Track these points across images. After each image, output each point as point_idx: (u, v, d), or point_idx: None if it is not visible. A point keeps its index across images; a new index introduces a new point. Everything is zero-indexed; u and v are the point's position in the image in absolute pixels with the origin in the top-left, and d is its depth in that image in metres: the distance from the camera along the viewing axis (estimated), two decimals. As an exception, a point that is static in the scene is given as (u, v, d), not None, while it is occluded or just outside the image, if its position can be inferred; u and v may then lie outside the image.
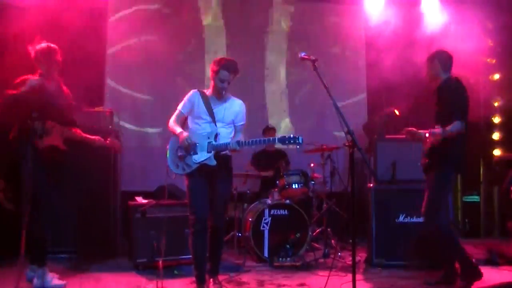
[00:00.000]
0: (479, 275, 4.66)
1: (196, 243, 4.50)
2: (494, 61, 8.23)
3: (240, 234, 6.48)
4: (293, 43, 8.47)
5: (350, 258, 4.07)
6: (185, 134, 4.53)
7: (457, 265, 4.80)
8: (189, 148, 4.49)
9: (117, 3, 7.85)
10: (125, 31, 7.79)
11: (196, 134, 4.58)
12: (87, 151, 6.03)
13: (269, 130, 7.37)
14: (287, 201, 6.12)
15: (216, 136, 4.55)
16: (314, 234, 6.54)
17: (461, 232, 8.04)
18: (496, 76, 8.29)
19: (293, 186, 6.31)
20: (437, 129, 4.58)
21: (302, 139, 4.37)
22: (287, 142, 4.39)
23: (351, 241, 5.36)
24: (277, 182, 6.45)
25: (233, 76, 4.61)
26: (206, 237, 4.57)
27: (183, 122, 4.74)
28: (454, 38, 6.97)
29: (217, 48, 8.10)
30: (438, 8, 8.04)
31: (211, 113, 4.60)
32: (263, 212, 5.96)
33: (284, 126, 8.34)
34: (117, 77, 7.81)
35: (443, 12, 7.93)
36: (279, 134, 7.56)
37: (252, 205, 6.43)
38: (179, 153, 4.57)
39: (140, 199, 5.81)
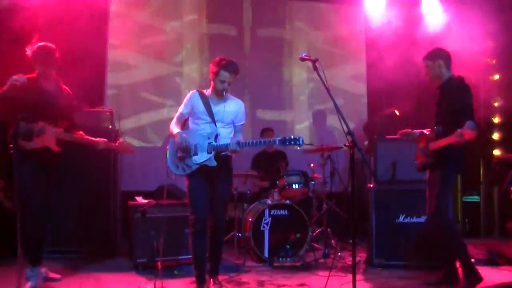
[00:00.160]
0: (480, 278, 4.66)
1: (196, 243, 4.50)
2: (494, 61, 8.23)
3: (240, 234, 6.48)
4: (293, 43, 8.46)
5: (350, 258, 4.07)
6: (182, 135, 4.53)
7: (457, 265, 4.80)
8: (186, 149, 4.48)
9: (118, 3, 7.84)
10: (126, 31, 7.79)
11: (196, 134, 4.57)
12: (87, 151, 6.05)
13: (267, 131, 7.37)
14: (287, 202, 6.12)
15: (216, 136, 4.54)
16: (314, 234, 6.54)
17: (461, 232, 8.03)
18: (496, 77, 8.28)
19: (293, 187, 6.31)
20: (453, 138, 4.39)
21: (302, 140, 4.36)
22: (287, 143, 4.38)
23: (351, 241, 5.37)
24: (277, 182, 6.45)
25: (233, 76, 4.60)
26: (206, 237, 4.57)
27: (183, 123, 4.74)
28: (454, 39, 6.96)
29: (217, 48, 8.09)
30: (438, 8, 8.04)
31: (210, 114, 4.59)
32: (263, 212, 5.96)
33: (284, 127, 8.33)
34: (118, 77, 7.80)
35: (443, 12, 7.93)
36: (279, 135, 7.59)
37: (252, 205, 6.43)
38: (179, 154, 4.55)
39: (140, 199, 5.81)
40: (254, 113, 8.20)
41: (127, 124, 7.54)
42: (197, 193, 4.53)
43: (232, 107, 4.73)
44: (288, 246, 5.85)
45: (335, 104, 3.98)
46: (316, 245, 6.55)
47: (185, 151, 4.49)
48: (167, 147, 4.71)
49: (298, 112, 8.44)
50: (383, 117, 7.88)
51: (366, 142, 7.72)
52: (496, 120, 8.33)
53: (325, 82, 4.02)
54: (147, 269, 5.37)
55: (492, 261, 5.81)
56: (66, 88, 4.96)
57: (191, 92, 4.76)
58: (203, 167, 4.50)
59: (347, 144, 3.98)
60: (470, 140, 4.32)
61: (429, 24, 7.93)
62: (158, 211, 5.60)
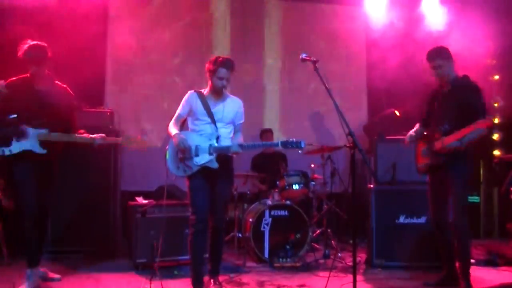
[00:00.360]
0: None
1: (196, 244, 4.50)
2: (494, 62, 8.23)
3: (240, 235, 6.48)
4: (293, 44, 8.45)
5: (350, 259, 4.07)
6: (181, 136, 4.51)
7: (457, 266, 4.79)
8: (186, 151, 4.46)
9: (117, 3, 7.84)
10: (126, 32, 7.78)
11: (196, 135, 4.56)
12: (87, 151, 6.06)
13: (266, 132, 7.36)
14: (288, 202, 6.12)
15: (217, 138, 4.53)
16: (314, 235, 6.54)
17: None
18: (496, 77, 8.28)
19: (294, 187, 6.31)
20: (480, 124, 4.35)
21: (304, 143, 4.37)
22: (289, 146, 4.38)
23: (351, 242, 5.38)
24: (277, 183, 6.45)
25: (231, 73, 4.59)
26: (205, 237, 4.58)
27: (182, 124, 4.73)
28: (454, 39, 6.96)
29: (216, 48, 8.08)
30: (439, 8, 8.04)
31: (210, 114, 4.58)
32: (263, 213, 5.96)
33: (284, 127, 8.32)
34: (118, 77, 7.80)
35: (444, 13, 7.93)
36: (280, 137, 7.60)
37: (252, 205, 6.43)
38: (180, 155, 4.54)
39: (140, 199, 5.81)
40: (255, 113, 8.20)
41: (127, 124, 7.53)
42: (198, 194, 4.52)
43: (232, 107, 4.72)
44: (288, 247, 5.84)
45: (336, 105, 3.97)
46: (316, 246, 6.55)
47: (184, 152, 4.48)
48: (167, 147, 4.68)
49: (298, 112, 8.44)
50: (383, 118, 7.88)
51: (366, 143, 7.71)
52: (496, 120, 8.33)
53: (326, 83, 4.02)
54: (147, 269, 5.36)
55: (492, 262, 5.81)
56: (63, 85, 4.90)
57: (189, 92, 4.74)
58: (204, 168, 4.50)
59: (347, 144, 3.98)
60: (489, 127, 4.42)
61: (430, 24, 7.93)
62: (158, 211, 5.60)
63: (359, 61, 8.67)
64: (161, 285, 4.65)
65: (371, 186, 5.81)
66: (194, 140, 4.52)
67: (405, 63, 7.46)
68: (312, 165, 6.84)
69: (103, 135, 4.90)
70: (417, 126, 5.02)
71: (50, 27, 6.63)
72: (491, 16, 7.44)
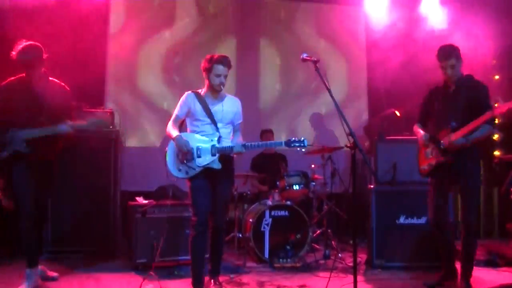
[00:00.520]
0: None
1: (196, 245, 4.48)
2: (494, 62, 8.23)
3: (240, 235, 6.47)
4: (293, 44, 8.45)
5: (351, 259, 4.08)
6: (182, 138, 4.46)
7: (457, 266, 4.79)
8: (187, 153, 4.43)
9: (118, 3, 7.84)
10: (126, 32, 7.79)
11: (197, 136, 4.53)
12: (87, 151, 6.07)
13: (267, 133, 7.35)
14: (288, 202, 6.12)
15: (219, 138, 4.51)
16: (314, 235, 6.53)
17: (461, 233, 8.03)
18: (496, 77, 8.28)
19: (294, 187, 6.30)
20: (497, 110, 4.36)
21: (307, 141, 4.39)
22: (292, 145, 4.39)
23: (351, 242, 5.37)
24: (278, 183, 6.44)
25: (227, 69, 4.55)
26: (206, 238, 4.56)
27: (180, 125, 4.69)
28: (454, 39, 6.97)
29: (217, 48, 8.08)
30: (439, 9, 8.04)
31: (209, 114, 4.55)
32: (263, 213, 5.95)
33: (285, 127, 8.31)
34: (118, 77, 7.80)
35: (444, 13, 7.93)
36: (281, 138, 7.59)
37: (253, 206, 6.42)
38: (180, 157, 4.50)
39: (140, 200, 5.81)
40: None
41: (127, 124, 7.53)
42: (200, 195, 4.49)
43: (231, 106, 4.69)
44: (288, 247, 5.84)
45: (336, 105, 3.97)
46: (317, 246, 6.54)
47: (186, 154, 4.44)
48: (166, 148, 4.64)
49: (299, 113, 8.44)
50: (384, 118, 7.87)
51: (366, 143, 7.71)
52: (496, 120, 8.32)
53: (326, 83, 4.01)
54: (147, 269, 5.36)
55: (492, 262, 5.80)
56: (58, 83, 4.81)
57: (186, 93, 4.69)
58: (206, 169, 4.48)
59: (348, 145, 3.97)
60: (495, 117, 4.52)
61: (430, 24, 7.94)
62: (158, 211, 5.60)
63: (360, 61, 8.67)
64: (160, 285, 4.64)
65: (372, 186, 5.80)
66: (195, 141, 4.50)
67: (406, 63, 7.46)
68: (313, 166, 6.83)
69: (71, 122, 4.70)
70: (417, 128, 4.97)
71: (51, 27, 6.63)
72: (491, 16, 7.44)
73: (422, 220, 5.61)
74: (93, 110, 6.46)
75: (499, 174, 7.53)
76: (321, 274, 5.36)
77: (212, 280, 4.67)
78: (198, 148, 4.47)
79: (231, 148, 4.47)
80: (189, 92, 4.69)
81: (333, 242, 6.50)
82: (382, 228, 5.67)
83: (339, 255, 6.07)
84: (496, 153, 8.25)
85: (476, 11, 7.44)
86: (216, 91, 4.61)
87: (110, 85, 7.77)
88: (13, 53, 4.55)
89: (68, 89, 4.86)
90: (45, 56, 4.64)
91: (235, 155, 4.64)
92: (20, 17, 6.44)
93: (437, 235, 4.87)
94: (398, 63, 7.45)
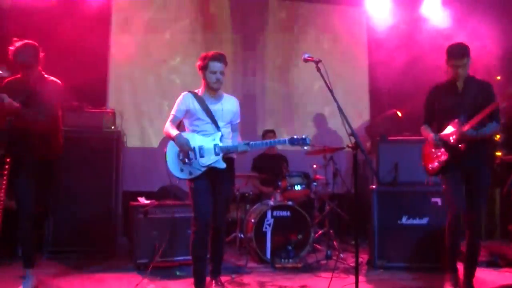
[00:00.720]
0: None
1: (197, 248, 4.41)
2: (495, 62, 8.22)
3: (242, 235, 6.47)
4: (295, 44, 8.45)
5: (352, 260, 4.07)
6: (183, 137, 4.39)
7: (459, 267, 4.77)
8: (189, 153, 4.36)
9: (120, 4, 7.85)
10: (128, 32, 7.80)
11: (199, 136, 4.47)
12: (89, 151, 6.09)
13: (269, 133, 7.35)
14: (290, 203, 6.12)
15: (221, 137, 4.46)
16: (316, 235, 6.52)
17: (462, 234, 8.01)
18: (498, 78, 8.27)
19: (296, 188, 6.31)
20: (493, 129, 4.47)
21: (309, 139, 4.40)
22: (295, 143, 4.39)
23: (353, 242, 5.36)
24: (279, 183, 6.44)
25: (223, 66, 4.49)
26: (207, 240, 4.51)
27: (178, 126, 4.58)
28: (456, 39, 6.97)
29: (218, 48, 8.08)
30: (440, 9, 8.04)
31: (209, 113, 4.48)
32: (265, 213, 5.95)
33: (286, 128, 8.31)
34: (120, 77, 7.81)
35: (445, 13, 7.93)
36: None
37: (255, 206, 6.42)
38: (181, 157, 4.41)
39: (142, 200, 5.81)
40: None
41: (129, 124, 7.54)
42: (202, 197, 4.43)
43: (230, 105, 4.64)
44: (290, 247, 5.84)
45: (338, 105, 3.96)
46: (318, 247, 6.54)
47: (188, 154, 4.37)
48: (165, 149, 4.52)
49: (301, 113, 8.44)
50: (385, 118, 7.87)
51: (368, 144, 7.71)
52: (497, 137, 8.30)
53: (328, 83, 4.01)
54: (149, 270, 5.36)
55: (494, 263, 5.79)
56: (54, 81, 4.68)
57: (183, 93, 4.61)
58: (210, 169, 4.42)
59: (350, 145, 3.96)
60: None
61: (432, 25, 7.93)
62: (160, 211, 5.60)
63: (361, 62, 8.67)
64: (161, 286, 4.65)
65: (373, 186, 5.80)
66: (197, 140, 4.43)
67: (407, 64, 7.46)
68: (314, 166, 6.83)
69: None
70: (426, 130, 4.93)
71: (53, 28, 6.65)
72: (493, 16, 7.43)
73: (424, 221, 5.61)
74: (95, 110, 6.47)
75: (501, 175, 7.51)
76: (323, 274, 5.36)
77: (213, 281, 4.65)
78: (200, 148, 4.41)
79: (235, 147, 4.43)
80: (186, 92, 4.61)
81: (334, 243, 6.50)
82: (384, 228, 5.66)
83: (341, 255, 6.07)
84: (498, 154, 8.24)
85: (478, 12, 7.43)
86: (213, 90, 4.54)
87: (112, 85, 7.77)
88: (9, 52, 4.48)
89: (61, 85, 4.71)
90: (41, 55, 4.58)
91: (234, 155, 4.59)
92: (22, 17, 6.46)
93: (453, 233, 4.70)
94: (399, 64, 7.45)
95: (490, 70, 8.13)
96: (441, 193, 5.55)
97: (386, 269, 5.56)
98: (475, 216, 4.60)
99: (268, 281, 5.14)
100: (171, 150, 4.47)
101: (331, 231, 6.53)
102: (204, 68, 4.48)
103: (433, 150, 4.75)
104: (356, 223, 4.48)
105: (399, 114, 7.74)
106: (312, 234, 6.06)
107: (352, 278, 4.37)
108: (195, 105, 4.49)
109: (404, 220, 5.65)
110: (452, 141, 4.56)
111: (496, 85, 7.27)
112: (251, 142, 4.44)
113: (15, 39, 4.55)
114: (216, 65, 4.44)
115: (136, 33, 7.86)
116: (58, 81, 4.70)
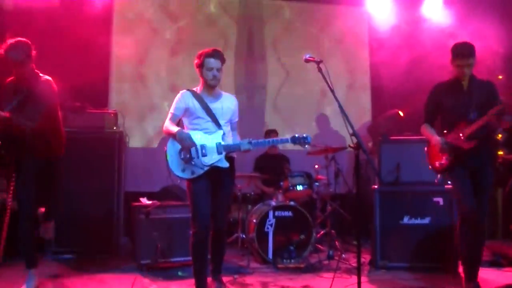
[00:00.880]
0: None
1: (199, 250, 4.31)
2: (497, 62, 8.21)
3: (244, 236, 6.47)
4: (297, 44, 8.45)
5: (355, 260, 4.07)
6: (184, 132, 4.31)
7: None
8: (190, 150, 4.27)
9: (121, 5, 7.86)
10: (130, 33, 7.81)
11: (200, 134, 4.37)
12: (91, 151, 6.09)
13: (271, 133, 7.35)
14: (291, 203, 6.12)
15: (223, 136, 4.39)
16: (318, 235, 6.52)
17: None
18: (500, 77, 8.26)
19: (297, 188, 6.31)
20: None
21: (310, 138, 4.39)
22: (297, 141, 4.38)
23: (355, 242, 5.36)
24: (281, 183, 6.44)
25: (220, 63, 4.40)
26: (207, 241, 4.40)
27: (176, 125, 4.47)
28: (457, 39, 6.97)
29: (220, 48, 8.09)
30: (441, 8, 8.04)
31: (209, 112, 4.40)
32: (267, 213, 5.95)
33: (288, 129, 8.31)
34: (122, 78, 7.82)
35: (447, 13, 7.92)
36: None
37: (256, 206, 6.42)
38: (182, 156, 4.29)
39: (144, 200, 5.82)
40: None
41: (131, 125, 7.54)
42: (201, 200, 4.31)
43: (229, 103, 4.57)
44: (292, 248, 5.84)
45: (340, 106, 3.95)
46: (320, 247, 6.54)
47: (190, 150, 4.27)
48: (165, 148, 4.43)
49: (303, 113, 8.44)
50: (387, 118, 7.87)
51: (370, 143, 7.71)
52: (499, 136, 8.29)
53: (330, 84, 4.01)
54: (151, 270, 5.37)
55: (496, 263, 5.79)
56: (47, 81, 4.60)
57: (181, 92, 4.52)
58: (211, 168, 4.34)
59: (351, 145, 3.96)
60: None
61: (434, 24, 7.93)
62: (162, 212, 5.61)
63: (363, 62, 8.67)
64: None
65: (375, 186, 5.79)
66: (198, 139, 4.33)
67: (409, 64, 7.46)
68: (316, 166, 6.83)
69: None
70: (427, 130, 4.91)
71: (54, 28, 6.66)
72: (494, 16, 7.43)
73: (426, 221, 5.60)
74: (97, 111, 6.48)
75: (503, 174, 7.51)
76: (325, 274, 5.36)
77: (215, 281, 4.61)
78: (202, 146, 4.32)
79: (238, 145, 4.35)
80: (184, 90, 4.53)
81: (336, 243, 6.50)
82: (386, 228, 5.66)
83: (343, 255, 6.07)
84: (500, 153, 8.23)
85: (480, 11, 7.43)
86: (211, 87, 4.46)
87: (114, 86, 7.78)
88: (1, 50, 4.40)
89: (54, 84, 4.63)
90: (33, 52, 4.51)
91: (234, 154, 4.52)
92: (23, 18, 6.46)
93: (466, 231, 4.65)
94: (401, 63, 7.45)
95: (491, 69, 8.13)
96: (443, 192, 5.58)
97: (388, 269, 5.55)
98: (480, 213, 4.59)
99: (271, 281, 5.14)
100: (172, 149, 4.39)
101: (333, 231, 6.54)
102: (200, 65, 4.41)
103: (440, 148, 4.73)
104: (358, 223, 4.47)
105: (401, 113, 7.74)
106: (314, 234, 6.06)
107: (354, 278, 4.36)
108: (194, 103, 4.42)
109: (406, 220, 5.65)
110: (466, 134, 4.57)
111: (498, 84, 7.29)
112: (253, 141, 4.36)
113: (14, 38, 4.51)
114: (212, 62, 4.36)
115: (138, 34, 7.87)
116: (51, 79, 4.63)
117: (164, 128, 4.46)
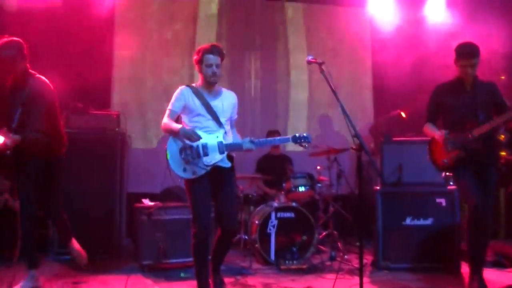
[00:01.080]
0: None
1: (200, 253, 4.26)
2: (500, 62, 8.20)
3: (246, 237, 6.46)
4: (299, 45, 8.45)
5: (357, 261, 4.06)
6: (188, 128, 4.21)
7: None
8: (193, 147, 4.18)
9: (123, 7, 7.86)
10: (132, 34, 7.82)
11: (201, 133, 4.25)
12: (93, 152, 6.10)
13: (273, 133, 7.34)
14: (294, 204, 6.11)
15: (224, 135, 4.30)
16: (320, 236, 6.52)
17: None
18: (502, 78, 8.25)
19: (300, 189, 6.30)
20: None
21: (310, 137, 4.37)
22: (298, 140, 4.35)
23: (357, 243, 5.35)
24: (284, 184, 6.44)
25: (219, 59, 4.30)
26: (208, 246, 4.35)
27: (175, 122, 4.38)
28: (459, 39, 6.96)
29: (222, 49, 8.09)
30: (444, 10, 8.03)
31: (210, 109, 4.30)
32: (269, 215, 5.95)
33: (290, 129, 8.31)
34: (124, 79, 7.83)
35: (448, 13, 7.92)
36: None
37: (259, 207, 6.41)
38: (183, 156, 4.21)
39: (146, 201, 5.82)
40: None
41: (133, 126, 7.55)
42: (202, 202, 4.24)
43: (229, 101, 4.48)
44: (294, 249, 5.84)
45: (342, 107, 3.96)
46: (323, 248, 6.53)
47: (190, 150, 4.20)
48: (165, 147, 4.34)
49: (305, 114, 8.44)
50: (389, 119, 7.87)
51: (372, 144, 7.71)
52: (502, 136, 8.27)
53: (332, 85, 4.01)
54: (153, 271, 5.38)
55: (499, 263, 5.78)
56: (44, 81, 4.56)
57: (181, 87, 4.41)
58: (213, 168, 4.25)
59: (354, 146, 3.96)
60: None
61: (436, 25, 7.92)
62: (164, 213, 5.61)
63: (365, 63, 8.67)
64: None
65: (377, 187, 5.79)
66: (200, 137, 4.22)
67: (411, 64, 7.45)
68: (318, 167, 6.82)
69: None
70: (430, 127, 4.91)
71: (57, 30, 6.67)
72: (496, 16, 7.42)
73: (428, 221, 5.60)
74: (99, 112, 6.49)
75: (505, 175, 7.50)
76: (327, 275, 5.36)
77: (214, 281, 4.52)
78: (204, 146, 4.23)
79: (240, 145, 4.27)
80: (184, 86, 4.42)
81: (339, 244, 6.50)
82: (388, 229, 5.65)
83: (345, 256, 6.07)
84: (502, 153, 8.21)
85: (482, 12, 7.42)
86: (210, 84, 4.36)
87: (116, 87, 7.79)
88: None
89: (51, 86, 4.59)
90: (26, 51, 4.47)
91: (234, 153, 4.42)
92: (26, 19, 6.47)
93: (475, 229, 4.64)
94: (403, 64, 7.44)
95: (494, 70, 8.12)
96: (446, 193, 5.58)
97: (391, 270, 5.54)
98: (485, 213, 4.59)
99: (273, 282, 5.14)
100: (172, 147, 4.30)
101: (335, 232, 6.54)
102: (199, 61, 4.30)
103: (445, 145, 4.71)
104: (360, 224, 4.46)
105: (403, 114, 7.73)
106: (316, 235, 6.05)
107: (356, 279, 4.35)
108: (194, 101, 4.32)
109: (408, 221, 5.64)
110: (472, 137, 4.58)
111: (500, 85, 7.28)
112: (255, 140, 4.31)
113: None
114: (211, 58, 4.26)
115: (140, 35, 7.87)
116: (45, 79, 4.60)
117: (163, 125, 4.36)
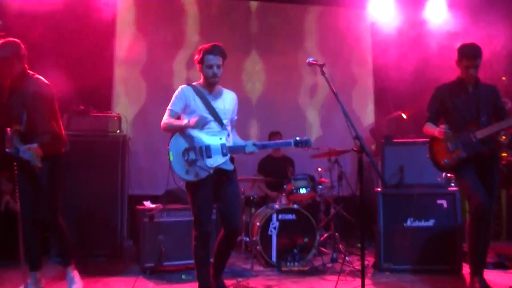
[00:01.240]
0: None
1: (200, 257, 4.26)
2: (501, 63, 8.20)
3: (247, 239, 6.46)
4: (300, 47, 8.46)
5: (358, 263, 4.07)
6: (193, 118, 4.10)
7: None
8: (195, 148, 4.12)
9: (125, 9, 7.88)
10: (133, 37, 7.83)
11: (204, 134, 4.20)
12: (95, 155, 6.11)
13: (275, 135, 7.35)
14: (295, 206, 6.11)
15: (227, 136, 4.26)
16: (321, 238, 6.53)
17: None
18: (503, 79, 8.25)
19: (301, 191, 6.30)
20: None
21: (311, 141, 4.37)
22: (299, 144, 4.34)
23: (359, 245, 5.35)
24: (285, 186, 6.44)
25: (221, 59, 4.21)
26: (209, 249, 4.32)
27: None
28: (460, 41, 6.97)
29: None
30: (445, 11, 8.04)
31: (212, 110, 4.23)
32: (270, 216, 5.95)
33: (291, 130, 8.30)
34: (126, 81, 7.84)
35: (450, 15, 7.92)
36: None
37: (260, 209, 6.41)
38: (186, 157, 4.13)
39: (148, 204, 5.82)
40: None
41: (134, 128, 7.56)
42: (204, 205, 4.21)
43: (230, 101, 4.42)
44: (296, 251, 5.83)
45: (343, 108, 3.96)
46: (324, 250, 6.53)
47: (194, 151, 4.11)
48: (167, 147, 4.26)
49: (306, 116, 8.45)
50: (390, 120, 7.87)
51: (373, 146, 7.71)
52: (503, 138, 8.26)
53: (333, 86, 4.01)
54: (155, 274, 5.38)
55: (501, 264, 5.78)
56: (44, 82, 4.51)
57: (182, 87, 4.33)
58: (217, 171, 4.20)
59: (355, 148, 3.96)
60: None
61: (436, 27, 7.93)
62: (166, 215, 5.61)
63: (366, 64, 8.69)
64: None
65: (379, 189, 5.79)
66: (203, 139, 4.18)
67: (412, 66, 7.46)
68: (319, 169, 6.83)
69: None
70: (431, 126, 4.90)
71: (58, 32, 6.68)
72: (497, 17, 7.42)
73: (430, 223, 5.59)
74: (100, 114, 6.50)
75: (506, 176, 7.50)
76: (329, 277, 5.36)
77: (216, 283, 4.50)
78: (207, 147, 4.17)
79: (243, 147, 4.23)
80: (185, 85, 4.34)
81: (340, 246, 6.50)
82: (390, 231, 5.65)
83: (347, 258, 6.06)
84: (504, 154, 8.21)
85: (483, 13, 7.42)
86: (211, 84, 4.29)
87: (118, 89, 7.80)
88: None
89: (49, 85, 4.54)
90: (23, 52, 4.45)
91: (233, 155, 4.36)
92: (27, 21, 6.48)
93: (477, 228, 4.63)
94: (404, 66, 7.45)
95: (495, 71, 8.12)
96: (447, 195, 5.58)
97: (392, 272, 5.54)
98: (488, 213, 4.58)
99: (274, 284, 5.14)
100: (175, 148, 4.21)
101: (337, 234, 6.53)
102: (200, 61, 4.22)
103: (447, 144, 4.71)
104: (361, 226, 4.45)
105: (404, 116, 7.74)
106: (318, 237, 6.05)
107: (358, 281, 4.35)
108: (196, 101, 4.25)
109: (409, 222, 5.63)
110: (475, 139, 4.59)
111: (501, 86, 7.29)
112: (257, 143, 4.28)
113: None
114: (211, 59, 4.18)
115: (141, 37, 7.89)
116: (44, 79, 4.57)
117: (164, 124, 4.31)
